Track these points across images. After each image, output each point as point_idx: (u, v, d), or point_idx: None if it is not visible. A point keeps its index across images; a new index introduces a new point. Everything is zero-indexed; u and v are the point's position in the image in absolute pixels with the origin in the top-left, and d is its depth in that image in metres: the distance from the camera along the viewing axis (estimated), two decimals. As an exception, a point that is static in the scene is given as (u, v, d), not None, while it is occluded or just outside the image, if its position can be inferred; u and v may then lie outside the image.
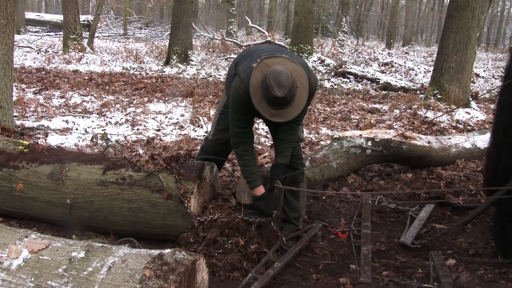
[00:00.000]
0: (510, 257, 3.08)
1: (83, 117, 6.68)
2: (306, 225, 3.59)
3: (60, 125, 6.15)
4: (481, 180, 4.66)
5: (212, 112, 7.04)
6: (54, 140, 5.48)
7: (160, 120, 6.74)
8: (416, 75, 13.18)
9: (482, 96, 9.53)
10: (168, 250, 2.07)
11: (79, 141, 5.48)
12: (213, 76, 11.75)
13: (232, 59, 14.37)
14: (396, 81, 11.29)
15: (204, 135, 6.06)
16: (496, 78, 14.25)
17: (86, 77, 10.45)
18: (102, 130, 6.01)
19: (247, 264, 2.94)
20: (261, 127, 6.43)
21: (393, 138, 4.60)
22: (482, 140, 5.34)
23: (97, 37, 19.31)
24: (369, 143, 4.54)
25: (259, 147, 5.61)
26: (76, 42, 14.96)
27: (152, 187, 3.14)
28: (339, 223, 3.79)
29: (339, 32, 20.32)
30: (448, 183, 4.54)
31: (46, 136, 5.59)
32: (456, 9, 7.77)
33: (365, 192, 4.19)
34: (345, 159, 4.45)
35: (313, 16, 14.21)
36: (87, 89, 8.90)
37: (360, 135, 4.58)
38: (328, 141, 5.95)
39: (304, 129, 3.84)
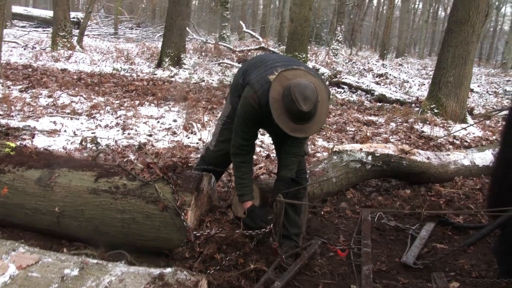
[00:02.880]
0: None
1: (71, 119, 6.47)
2: (304, 241, 3.46)
3: (47, 126, 5.93)
4: (480, 199, 4.58)
5: (206, 118, 6.88)
6: (41, 141, 5.27)
7: (152, 125, 6.56)
8: (410, 87, 13.16)
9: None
10: (169, 270, 1.92)
11: (67, 144, 5.28)
12: (205, 81, 11.59)
13: (225, 65, 14.41)
14: (391, 93, 11.24)
15: (197, 142, 5.90)
16: (490, 94, 14.31)
17: (75, 77, 10.22)
18: (92, 133, 5.81)
19: (245, 283, 2.80)
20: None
21: (393, 153, 4.50)
22: (481, 158, 5.28)
23: (86, 35, 19.00)
24: (369, 158, 4.43)
25: (254, 157, 5.46)
26: (66, 40, 14.67)
27: (147, 198, 2.98)
28: (338, 240, 3.67)
29: (333, 41, 20.30)
30: (447, 201, 4.44)
31: (33, 137, 5.38)
32: (457, 23, 7.73)
33: (364, 208, 4.07)
34: (345, 174, 4.33)
35: (309, 24, 14.13)
36: (76, 89, 8.69)
37: (361, 149, 4.47)
38: (325, 153, 5.86)
39: (308, 142, 3.72)
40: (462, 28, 7.63)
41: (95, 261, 1.96)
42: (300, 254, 3.24)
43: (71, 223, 3.08)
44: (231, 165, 3.63)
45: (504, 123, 3.40)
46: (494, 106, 11.79)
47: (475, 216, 4.18)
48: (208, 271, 2.77)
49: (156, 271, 1.90)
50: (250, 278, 2.85)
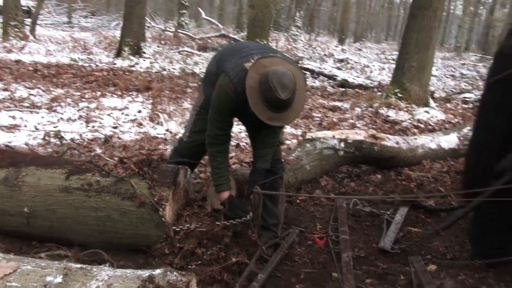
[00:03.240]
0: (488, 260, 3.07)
1: (31, 113, 6.19)
2: (282, 231, 3.44)
3: (6, 121, 5.66)
4: (448, 182, 4.68)
5: (171, 108, 6.75)
6: (0, 138, 5.03)
7: (116, 117, 6.36)
8: (371, 72, 13.31)
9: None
10: (158, 271, 1.85)
11: (29, 139, 5.06)
12: (167, 69, 11.35)
13: (186, 53, 14.16)
14: (353, 79, 11.34)
15: (165, 133, 5.78)
16: (447, 77, 14.67)
17: (31, 68, 9.79)
18: (54, 127, 5.58)
19: (227, 276, 2.76)
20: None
21: (365, 139, 4.53)
22: (447, 141, 5.40)
23: (39, 24, 18.23)
24: (342, 145, 4.45)
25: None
26: (18, 29, 14.06)
27: (122, 194, 2.88)
28: (315, 228, 3.67)
29: (292, 27, 20.29)
30: (418, 184, 4.52)
31: (-9, 133, 5.13)
32: (419, 9, 7.81)
33: (340, 196, 4.09)
34: (318, 161, 4.32)
35: (270, 10, 14.03)
36: (33, 81, 8.32)
37: (333, 136, 4.47)
38: (293, 140, 5.85)
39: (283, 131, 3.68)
40: (424, 14, 7.72)
41: (78, 265, 1.86)
42: (280, 244, 3.21)
43: (42, 223, 2.95)
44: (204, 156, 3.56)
45: (477, 107, 3.47)
46: (453, 89, 12.11)
47: (445, 199, 4.27)
48: (190, 266, 2.72)
49: (144, 273, 1.83)
50: (233, 271, 2.81)
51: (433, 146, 5.26)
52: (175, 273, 1.82)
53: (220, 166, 3.02)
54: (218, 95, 2.87)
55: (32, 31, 15.20)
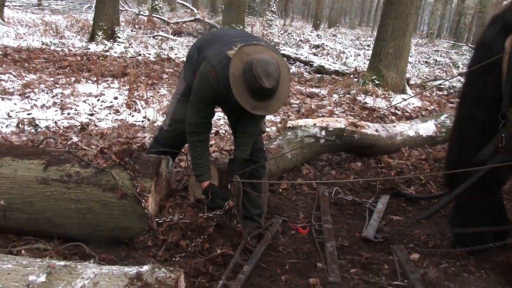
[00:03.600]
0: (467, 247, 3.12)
1: (3, 99, 5.98)
2: (265, 220, 3.41)
3: (-24, 108, 5.47)
4: (427, 169, 4.73)
5: (148, 95, 6.62)
6: (-30, 126, 4.86)
7: (92, 103, 6.20)
8: (347, 58, 13.35)
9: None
10: (146, 268, 1.79)
11: (2, 127, 4.89)
12: (142, 54, 11.13)
13: (160, 37, 13.92)
14: (329, 65, 11.33)
15: (142, 121, 5.67)
16: (421, 64, 14.81)
17: (0, 52, 9.47)
18: (28, 114, 5.41)
19: (213, 268, 2.72)
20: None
21: (345, 127, 4.53)
22: (425, 128, 5.47)
23: (7, 6, 17.64)
24: (323, 133, 4.44)
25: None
26: (-16, 12, 13.58)
27: (103, 185, 2.80)
28: (298, 217, 3.66)
29: (267, 12, 20.14)
30: (398, 172, 4.56)
31: (-40, 121, 4.94)
32: (396, -5, 7.82)
33: (321, 184, 4.09)
34: (300, 149, 4.31)
35: (246, -5, 13.88)
36: (4, 66, 8.04)
37: (314, 124, 4.46)
38: (273, 128, 5.82)
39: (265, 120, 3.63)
40: (401, 0, 7.73)
41: (62, 263, 1.79)
42: (263, 235, 3.19)
43: (20, 216, 2.85)
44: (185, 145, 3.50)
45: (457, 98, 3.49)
46: (428, 76, 12.24)
47: (425, 187, 4.32)
48: (174, 259, 2.67)
49: (132, 270, 1.77)
50: (217, 263, 2.78)
51: (411, 133, 5.31)
52: (163, 269, 1.77)
53: (200, 156, 2.96)
54: (200, 83, 2.81)
55: (0, 13, 14.68)
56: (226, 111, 3.31)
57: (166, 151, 3.27)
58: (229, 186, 2.99)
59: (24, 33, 13.07)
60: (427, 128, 5.48)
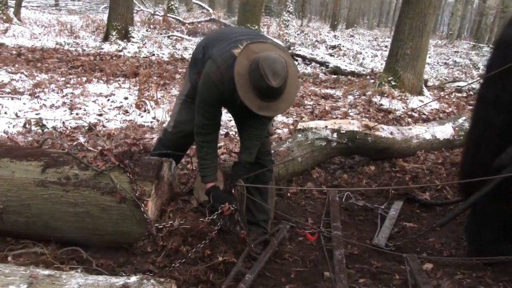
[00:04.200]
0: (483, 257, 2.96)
1: (12, 99, 5.95)
2: (272, 225, 3.29)
3: (-15, 108, 5.44)
4: (443, 174, 4.55)
5: (159, 95, 6.54)
6: (-23, 126, 4.81)
7: (101, 104, 6.14)
8: (364, 59, 13.13)
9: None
10: (133, 279, 1.68)
11: (9, 127, 4.84)
12: (156, 55, 11.08)
13: (175, 37, 13.88)
14: (345, 65, 11.15)
15: (151, 121, 5.58)
16: (440, 65, 14.51)
17: (14, 52, 9.50)
18: (36, 114, 5.36)
19: (213, 276, 2.61)
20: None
21: (358, 130, 4.37)
22: (442, 131, 5.27)
23: (24, 6, 17.81)
24: (335, 135, 4.29)
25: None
26: (1, 11, 13.66)
27: (102, 189, 2.70)
28: (307, 223, 3.52)
29: (284, 12, 20.00)
30: (413, 177, 4.38)
31: (-31, 120, 4.90)
32: (413, -6, 7.61)
33: (332, 189, 3.94)
34: (310, 152, 4.17)
35: (262, -6, 13.78)
36: (16, 65, 8.03)
37: (325, 126, 4.31)
38: (285, 129, 5.69)
39: (273, 122, 3.51)
40: (418, 0, 7.54)
41: (46, 272, 1.68)
42: (269, 241, 3.07)
43: (17, 219, 2.77)
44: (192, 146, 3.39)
45: (475, 100, 3.34)
46: (446, 78, 11.96)
47: (441, 193, 4.14)
48: (173, 265, 2.56)
49: (118, 280, 1.66)
50: (219, 271, 2.67)
51: (427, 136, 5.12)
52: (152, 281, 1.66)
53: (206, 157, 2.87)
54: (205, 84, 2.71)
55: (17, 13, 14.83)
56: (232, 112, 3.21)
57: (169, 153, 3.17)
58: (232, 191, 2.88)
59: (39, 33, 13.14)
60: (444, 131, 5.28)
